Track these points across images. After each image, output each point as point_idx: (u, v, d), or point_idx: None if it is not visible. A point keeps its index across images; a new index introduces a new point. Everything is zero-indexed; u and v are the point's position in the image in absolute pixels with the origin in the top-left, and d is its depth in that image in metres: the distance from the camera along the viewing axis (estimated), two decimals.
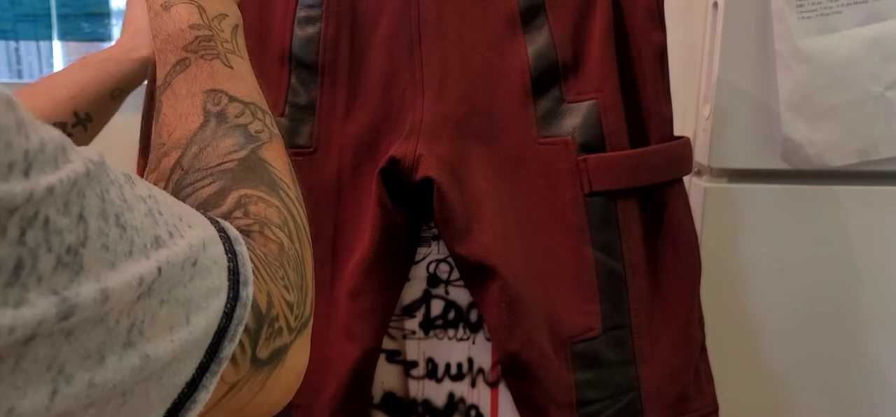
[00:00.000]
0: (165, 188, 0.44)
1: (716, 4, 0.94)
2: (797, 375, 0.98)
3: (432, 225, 0.71)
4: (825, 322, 0.97)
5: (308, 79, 0.73)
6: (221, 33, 0.52)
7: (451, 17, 0.71)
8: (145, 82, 0.79)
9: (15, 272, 0.24)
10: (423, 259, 0.74)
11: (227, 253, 0.36)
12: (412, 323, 0.75)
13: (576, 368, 0.70)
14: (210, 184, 0.43)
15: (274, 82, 0.72)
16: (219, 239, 0.36)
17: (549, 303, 0.70)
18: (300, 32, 0.72)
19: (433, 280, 0.74)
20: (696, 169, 0.98)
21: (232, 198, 0.42)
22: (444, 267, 0.74)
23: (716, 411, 0.78)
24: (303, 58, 0.72)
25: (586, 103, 0.71)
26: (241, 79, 0.50)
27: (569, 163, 0.71)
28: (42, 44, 1.57)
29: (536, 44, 0.71)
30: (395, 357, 0.76)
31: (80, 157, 0.28)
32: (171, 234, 0.32)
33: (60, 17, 1.56)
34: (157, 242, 0.31)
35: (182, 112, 0.47)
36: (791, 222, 0.95)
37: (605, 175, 0.70)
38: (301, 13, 0.72)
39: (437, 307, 0.74)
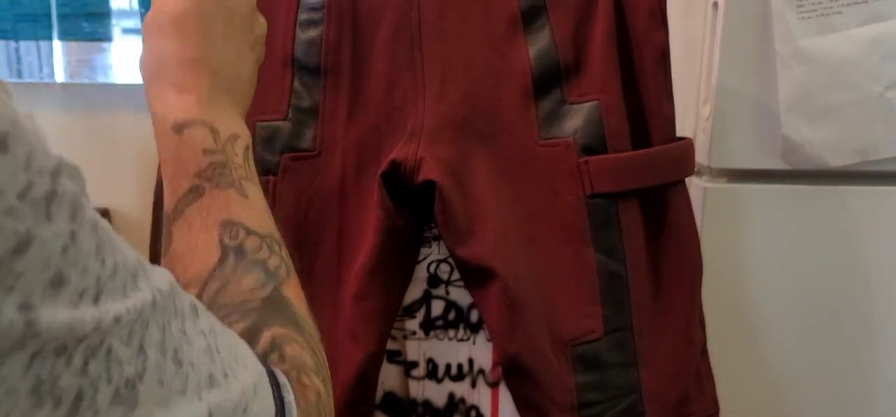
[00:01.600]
0: None
1: (716, 4, 0.94)
2: (798, 375, 0.99)
3: (433, 225, 0.71)
4: (826, 322, 0.97)
5: (311, 82, 0.73)
6: (235, 158, 0.49)
7: (452, 19, 0.71)
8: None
9: (75, 404, 0.24)
10: (424, 259, 0.74)
11: (275, 401, 0.35)
12: (413, 324, 0.75)
13: (577, 370, 0.70)
14: (238, 321, 0.42)
15: (277, 85, 0.72)
16: (269, 384, 0.35)
17: (550, 305, 0.70)
18: (302, 35, 0.72)
19: (434, 280, 0.74)
20: (696, 169, 0.98)
21: (265, 338, 0.41)
22: (444, 268, 0.74)
23: (717, 412, 0.78)
24: (305, 61, 0.72)
25: (588, 104, 0.71)
26: (256, 209, 0.48)
27: (570, 165, 0.71)
28: (42, 44, 1.57)
29: (538, 45, 0.71)
30: (395, 357, 0.76)
31: (148, 285, 0.28)
32: (225, 375, 0.32)
33: (60, 17, 1.56)
34: (211, 382, 0.31)
35: (197, 245, 0.45)
36: (791, 222, 0.95)
37: (606, 176, 0.70)
38: (303, 16, 0.72)
39: (437, 307, 0.74)
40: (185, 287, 0.42)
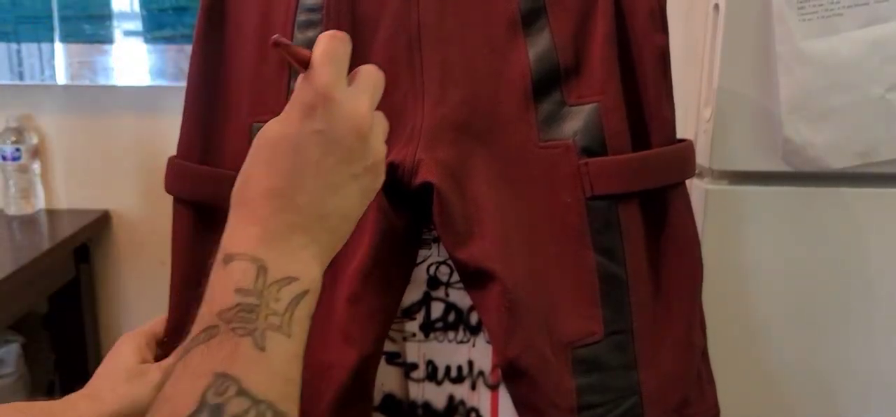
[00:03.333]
0: None
1: (717, 6, 0.94)
2: (798, 377, 0.98)
3: (432, 227, 0.71)
4: (827, 323, 0.97)
5: None
6: (273, 303, 0.44)
7: (451, 21, 0.71)
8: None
9: None
10: (423, 261, 0.74)
11: None
12: (412, 326, 0.75)
13: (577, 373, 0.70)
14: None
15: (276, 86, 0.72)
16: None
17: (550, 308, 0.70)
18: (301, 36, 0.72)
19: (433, 282, 0.74)
20: (697, 171, 0.98)
21: None
22: (444, 270, 0.74)
23: (717, 414, 0.78)
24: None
25: (588, 106, 0.71)
26: (268, 367, 0.42)
27: (570, 167, 0.70)
28: (43, 46, 1.58)
29: (537, 47, 0.71)
30: (395, 359, 0.76)
31: None
32: None
33: (62, 19, 1.56)
34: None
35: (178, 392, 0.40)
36: (792, 224, 0.95)
37: (606, 178, 0.70)
38: (302, 17, 0.72)
39: (437, 309, 0.74)
40: None
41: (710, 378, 0.78)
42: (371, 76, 0.54)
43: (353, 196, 0.51)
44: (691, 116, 1.02)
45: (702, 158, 0.95)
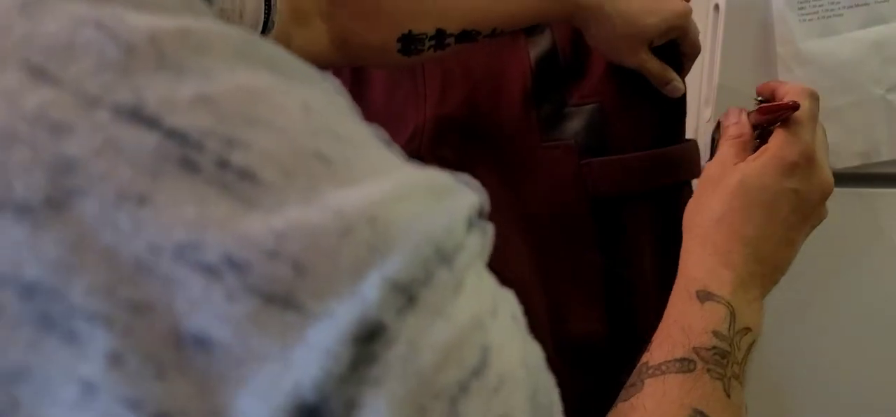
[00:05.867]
0: None
1: (717, 7, 0.94)
2: (798, 378, 0.98)
3: None
4: (826, 325, 0.97)
5: None
6: (738, 353, 0.49)
7: None
8: None
9: None
10: None
11: None
12: None
13: (580, 373, 0.70)
14: None
15: None
16: None
17: (554, 309, 0.70)
18: None
19: None
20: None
21: None
22: None
23: None
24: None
25: (589, 107, 0.71)
26: (732, 413, 0.47)
27: (572, 167, 0.70)
28: None
29: (539, 47, 0.71)
30: None
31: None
32: None
33: None
34: None
35: (662, 413, 0.45)
36: None
37: (608, 179, 0.70)
38: None
39: None
40: None
41: None
42: (824, 136, 0.58)
43: (795, 253, 0.56)
44: (691, 116, 1.02)
45: (702, 158, 0.95)
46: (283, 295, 0.21)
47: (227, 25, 0.25)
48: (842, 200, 0.94)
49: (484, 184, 0.70)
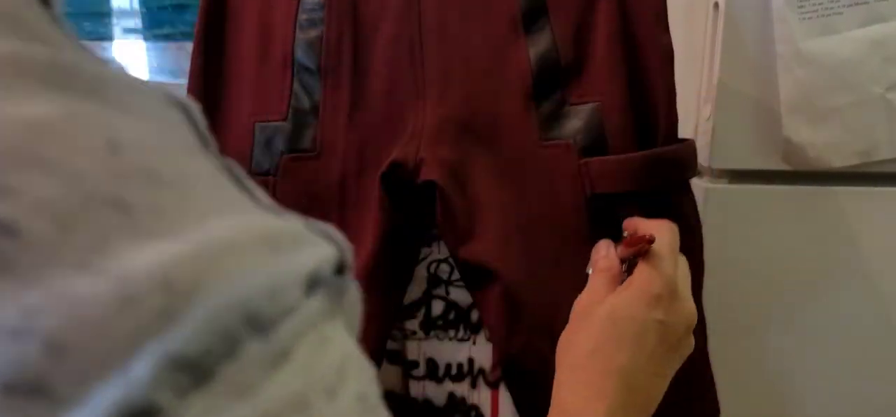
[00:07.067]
0: None
1: (717, 5, 0.94)
2: (798, 377, 0.98)
3: (434, 225, 0.71)
4: (827, 323, 0.97)
5: (310, 82, 0.73)
6: None
7: (452, 20, 0.71)
8: None
9: None
10: (424, 259, 0.74)
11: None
12: (413, 324, 0.75)
13: None
14: None
15: (277, 86, 0.72)
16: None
17: (551, 306, 0.70)
18: (302, 36, 0.72)
19: (434, 280, 0.74)
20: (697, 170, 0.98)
21: None
22: (444, 268, 0.74)
23: (717, 414, 0.78)
24: (305, 61, 0.72)
25: (589, 106, 0.71)
26: None
27: (571, 167, 0.70)
28: None
29: (538, 46, 0.71)
30: (395, 357, 0.76)
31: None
32: None
33: None
34: None
35: None
36: (792, 223, 0.95)
37: (607, 178, 0.70)
38: (303, 16, 0.72)
39: (437, 307, 0.74)
40: None
41: (710, 379, 0.78)
42: (686, 268, 0.59)
43: (665, 386, 0.56)
44: (691, 115, 1.02)
45: (701, 157, 0.95)
46: (27, 382, 0.18)
47: (46, 45, 0.21)
48: (842, 200, 0.95)
49: (483, 183, 0.70)
